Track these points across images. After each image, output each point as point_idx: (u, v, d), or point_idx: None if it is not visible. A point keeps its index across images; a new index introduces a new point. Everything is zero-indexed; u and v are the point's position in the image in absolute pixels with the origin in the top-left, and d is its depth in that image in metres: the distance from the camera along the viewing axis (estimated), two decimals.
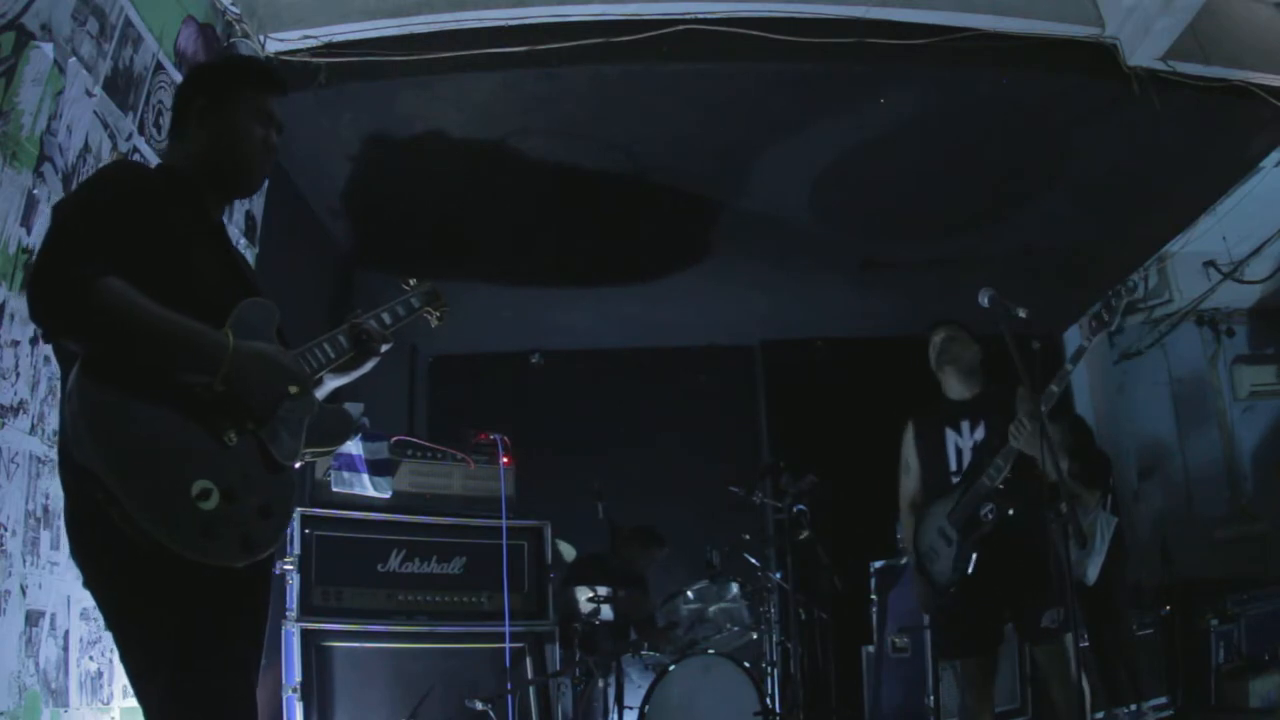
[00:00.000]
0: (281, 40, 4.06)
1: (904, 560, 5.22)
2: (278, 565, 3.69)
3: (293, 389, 1.82)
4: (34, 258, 1.94)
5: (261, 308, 1.89)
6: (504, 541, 4.23)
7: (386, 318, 2.21)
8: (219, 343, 1.71)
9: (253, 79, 2.05)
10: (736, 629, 5.02)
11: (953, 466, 3.71)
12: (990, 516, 3.46)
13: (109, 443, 1.58)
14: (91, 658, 2.90)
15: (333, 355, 2.02)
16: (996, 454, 3.49)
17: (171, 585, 1.64)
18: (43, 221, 2.62)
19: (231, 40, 3.89)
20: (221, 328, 1.75)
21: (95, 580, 1.71)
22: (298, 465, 1.90)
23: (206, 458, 1.68)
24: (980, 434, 3.67)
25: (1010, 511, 3.41)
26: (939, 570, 3.65)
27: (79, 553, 1.72)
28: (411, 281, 2.38)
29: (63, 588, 2.73)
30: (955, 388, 3.80)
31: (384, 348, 2.13)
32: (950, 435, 3.74)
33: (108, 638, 2.87)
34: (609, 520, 4.89)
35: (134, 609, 1.68)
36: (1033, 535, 3.21)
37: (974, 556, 3.50)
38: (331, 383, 2.10)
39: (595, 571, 5.17)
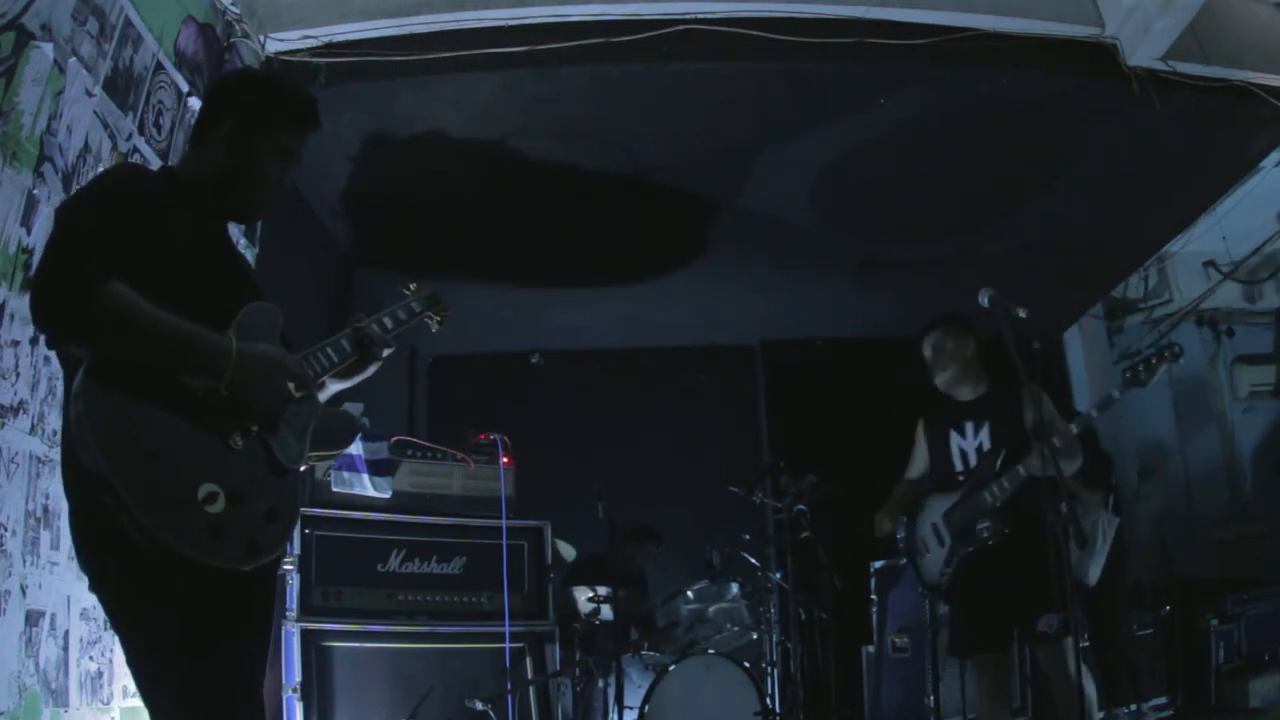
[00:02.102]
0: (281, 40, 4.06)
1: (904, 560, 5.23)
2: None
3: (295, 390, 1.82)
4: (36, 262, 1.93)
5: (265, 312, 1.89)
6: (504, 541, 4.23)
7: (388, 322, 2.20)
8: (222, 346, 1.71)
9: (288, 115, 2.00)
10: (736, 629, 5.01)
11: (958, 467, 3.70)
12: (986, 534, 3.49)
13: (114, 446, 1.58)
14: (91, 658, 2.89)
15: (335, 359, 2.02)
16: (1003, 468, 3.48)
17: (177, 587, 1.64)
18: (43, 221, 2.61)
19: (231, 40, 3.89)
20: (225, 332, 1.74)
21: (100, 583, 1.71)
22: (302, 468, 1.90)
23: (212, 461, 1.68)
24: (984, 436, 3.64)
25: (1006, 531, 3.44)
26: (926, 566, 3.72)
27: (84, 556, 1.72)
28: (412, 286, 2.37)
29: (63, 588, 2.73)
30: (957, 389, 3.77)
31: (386, 352, 2.13)
32: (954, 437, 3.71)
33: (108, 638, 2.88)
34: (609, 520, 4.88)
35: (139, 611, 1.68)
36: (1033, 538, 3.20)
37: (959, 565, 3.57)
38: (334, 386, 2.10)
39: (595, 571, 5.17)
